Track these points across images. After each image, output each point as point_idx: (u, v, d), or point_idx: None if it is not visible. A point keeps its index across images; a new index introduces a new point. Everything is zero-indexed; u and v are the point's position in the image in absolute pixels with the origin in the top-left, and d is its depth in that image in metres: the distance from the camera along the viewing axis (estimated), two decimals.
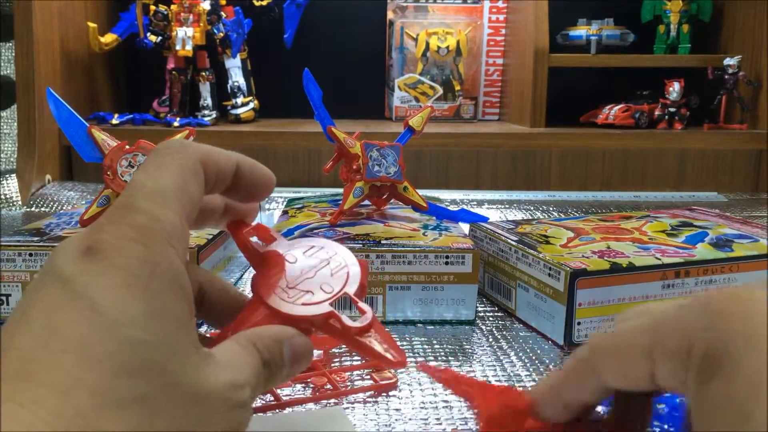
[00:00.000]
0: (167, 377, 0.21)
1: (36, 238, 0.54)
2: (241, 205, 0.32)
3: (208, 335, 0.32)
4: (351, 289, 0.31)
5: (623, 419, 0.30)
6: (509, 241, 0.56)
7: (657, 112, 1.16)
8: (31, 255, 0.52)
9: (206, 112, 1.17)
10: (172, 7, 1.14)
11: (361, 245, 0.53)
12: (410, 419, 0.38)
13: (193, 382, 0.22)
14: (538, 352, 0.49)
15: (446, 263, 0.53)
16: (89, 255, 0.22)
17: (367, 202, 0.65)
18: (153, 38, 1.13)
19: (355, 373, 0.44)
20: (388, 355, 0.29)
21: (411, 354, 0.48)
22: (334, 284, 0.30)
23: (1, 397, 0.19)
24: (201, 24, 1.13)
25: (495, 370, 0.45)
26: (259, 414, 0.38)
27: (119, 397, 0.20)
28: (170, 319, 0.22)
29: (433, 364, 0.46)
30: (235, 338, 0.26)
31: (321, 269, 0.31)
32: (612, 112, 1.17)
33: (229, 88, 1.18)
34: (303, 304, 0.29)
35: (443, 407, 0.39)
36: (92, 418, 0.19)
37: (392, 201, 0.65)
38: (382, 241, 0.54)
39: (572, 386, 0.30)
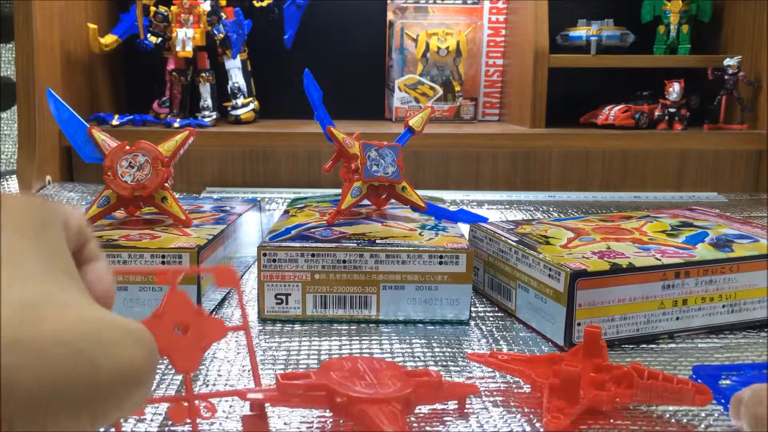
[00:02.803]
0: None
1: None
2: None
3: None
4: None
5: None
6: (509, 241, 0.56)
7: (657, 113, 1.16)
8: None
9: (206, 113, 1.17)
10: (172, 8, 1.14)
11: (355, 244, 0.54)
12: None
13: None
14: (538, 353, 0.49)
15: (440, 263, 0.53)
16: None
17: (367, 201, 0.65)
18: (153, 39, 1.13)
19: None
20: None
21: (411, 357, 0.48)
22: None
23: None
24: (201, 25, 1.13)
25: (494, 370, 0.45)
26: None
27: None
28: None
29: (432, 367, 0.46)
30: None
31: None
32: (612, 112, 1.17)
33: (229, 89, 1.18)
34: None
35: None
36: None
37: (393, 201, 0.65)
38: (377, 241, 0.54)
39: None
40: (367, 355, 0.46)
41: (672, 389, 0.37)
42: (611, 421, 0.38)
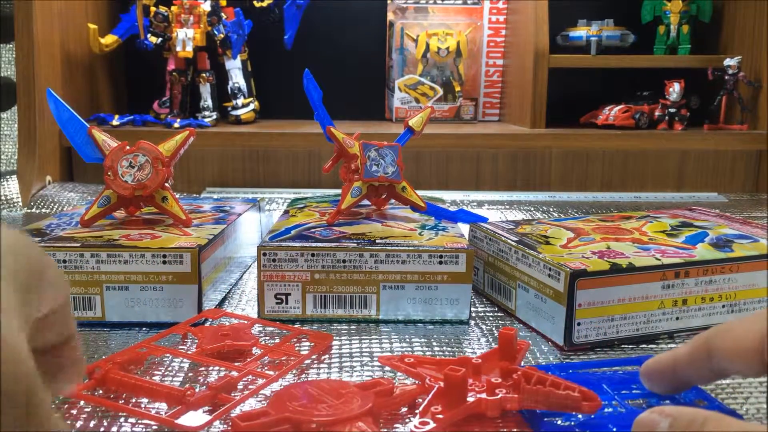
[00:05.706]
0: None
1: (37, 239, 0.54)
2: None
3: None
4: None
5: None
6: (509, 241, 0.56)
7: (657, 113, 1.17)
8: None
9: (206, 113, 1.17)
10: (173, 8, 1.14)
11: (355, 244, 0.54)
12: None
13: None
14: (538, 353, 0.49)
15: (440, 263, 0.53)
16: None
17: (367, 201, 0.65)
18: (153, 39, 1.13)
19: None
20: None
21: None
22: None
23: None
24: (201, 25, 1.14)
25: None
26: None
27: None
28: None
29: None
30: None
31: None
32: (612, 112, 1.17)
33: (229, 89, 1.18)
34: None
35: None
36: None
37: (393, 201, 0.65)
38: (377, 241, 0.54)
39: (687, 366, 0.35)
40: (316, 378, 0.43)
41: (557, 395, 0.35)
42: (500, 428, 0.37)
